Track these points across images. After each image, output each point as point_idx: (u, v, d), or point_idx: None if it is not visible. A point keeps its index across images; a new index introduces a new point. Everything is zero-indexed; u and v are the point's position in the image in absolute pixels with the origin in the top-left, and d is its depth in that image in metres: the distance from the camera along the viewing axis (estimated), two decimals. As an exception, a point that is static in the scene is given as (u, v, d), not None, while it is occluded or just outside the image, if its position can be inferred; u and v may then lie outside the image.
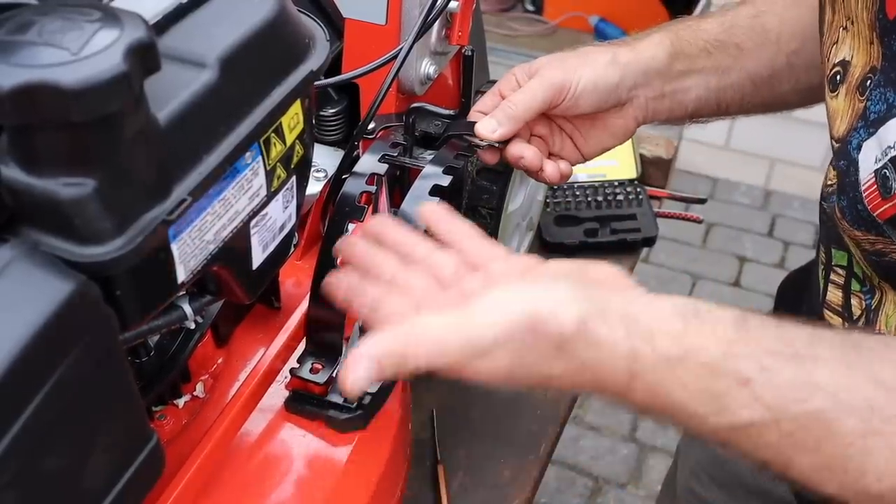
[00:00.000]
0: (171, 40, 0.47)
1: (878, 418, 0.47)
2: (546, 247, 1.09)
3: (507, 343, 0.49)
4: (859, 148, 0.61)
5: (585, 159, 0.82)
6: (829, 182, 0.68)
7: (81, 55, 0.38)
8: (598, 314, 0.49)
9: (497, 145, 0.76)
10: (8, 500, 0.40)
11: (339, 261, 0.68)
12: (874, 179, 0.59)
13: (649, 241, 1.11)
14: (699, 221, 1.24)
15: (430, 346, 0.50)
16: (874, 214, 0.60)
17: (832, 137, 0.66)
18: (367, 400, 0.69)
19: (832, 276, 0.72)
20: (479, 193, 0.86)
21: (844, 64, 0.65)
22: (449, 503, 0.83)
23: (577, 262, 0.54)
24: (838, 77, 0.66)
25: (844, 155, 0.63)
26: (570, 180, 0.91)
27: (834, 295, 0.72)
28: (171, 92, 0.45)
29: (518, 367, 0.49)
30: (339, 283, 0.59)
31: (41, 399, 0.40)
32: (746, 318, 0.50)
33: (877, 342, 0.51)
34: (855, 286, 0.70)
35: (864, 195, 0.60)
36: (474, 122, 0.75)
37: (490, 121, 0.74)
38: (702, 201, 1.25)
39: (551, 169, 0.77)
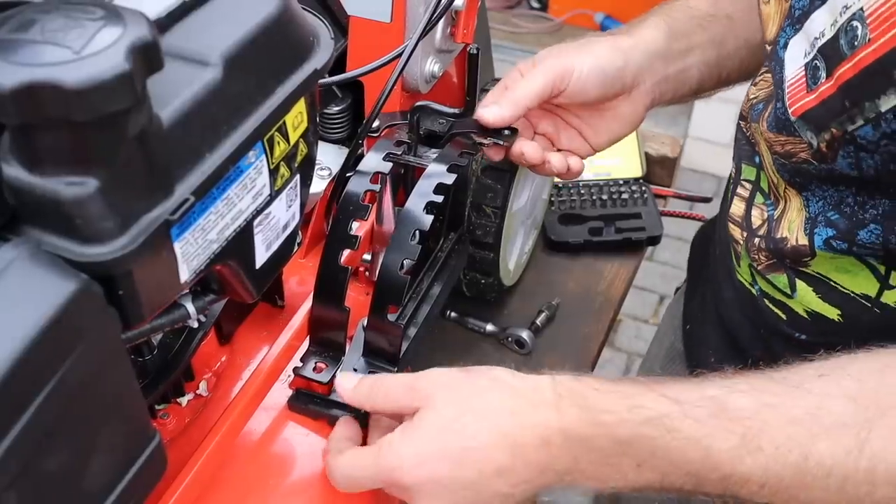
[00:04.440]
0: (174, 38, 0.47)
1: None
2: (551, 245, 1.08)
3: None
4: (786, 46, 0.66)
5: (595, 151, 0.83)
6: (752, 96, 0.73)
7: (84, 54, 0.38)
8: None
9: (503, 143, 0.76)
10: (10, 499, 0.40)
11: (343, 259, 0.67)
12: (804, 73, 0.63)
13: (654, 240, 1.11)
14: (704, 220, 1.23)
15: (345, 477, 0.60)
16: (790, 111, 0.64)
17: (766, 43, 0.71)
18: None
19: (738, 190, 0.78)
20: (484, 192, 0.86)
21: None
22: (452, 502, 0.83)
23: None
24: None
25: (774, 56, 0.68)
26: (575, 179, 0.90)
27: (737, 207, 0.78)
28: (174, 91, 0.44)
29: None
30: None
31: (43, 398, 0.40)
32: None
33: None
34: (759, 199, 0.75)
35: (786, 92, 0.65)
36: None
37: (492, 106, 0.75)
38: (707, 200, 1.24)
39: (557, 160, 0.79)
